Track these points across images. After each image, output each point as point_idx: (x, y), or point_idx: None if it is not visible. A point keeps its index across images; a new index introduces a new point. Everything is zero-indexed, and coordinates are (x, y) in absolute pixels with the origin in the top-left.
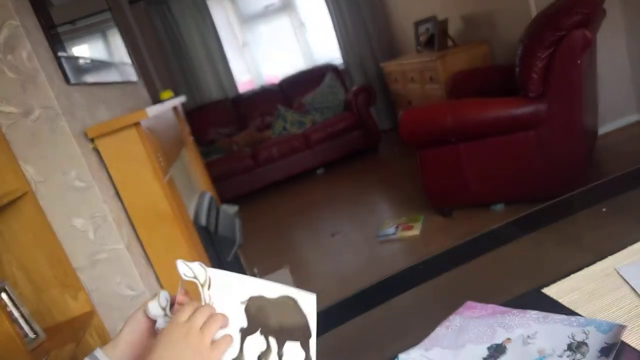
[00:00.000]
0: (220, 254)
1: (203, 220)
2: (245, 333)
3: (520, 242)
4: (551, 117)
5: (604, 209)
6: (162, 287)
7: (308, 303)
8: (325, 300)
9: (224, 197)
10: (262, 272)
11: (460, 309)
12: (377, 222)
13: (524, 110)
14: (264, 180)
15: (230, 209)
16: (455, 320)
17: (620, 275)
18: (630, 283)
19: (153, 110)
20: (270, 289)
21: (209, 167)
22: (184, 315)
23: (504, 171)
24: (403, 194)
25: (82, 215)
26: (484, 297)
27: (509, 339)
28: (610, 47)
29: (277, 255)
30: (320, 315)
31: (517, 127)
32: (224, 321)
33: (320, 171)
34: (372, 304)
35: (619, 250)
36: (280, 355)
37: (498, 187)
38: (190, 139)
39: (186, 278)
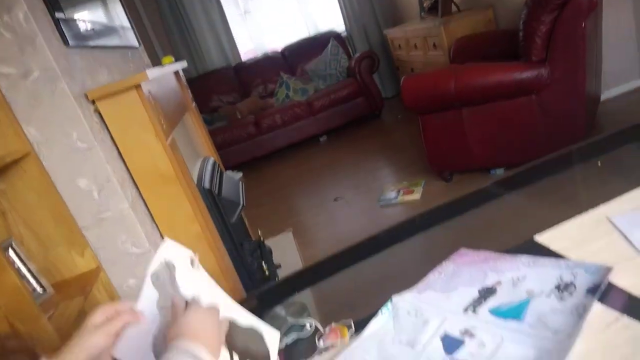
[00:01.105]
0: (225, 216)
1: (207, 183)
2: None
3: (515, 196)
4: (554, 81)
5: (599, 163)
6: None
7: (272, 338)
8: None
9: (228, 164)
10: (266, 235)
11: (454, 256)
12: (379, 188)
13: (526, 74)
14: (267, 147)
15: (235, 176)
16: (448, 266)
17: (612, 223)
18: (621, 230)
19: (154, 73)
20: (242, 316)
21: (213, 135)
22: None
23: (506, 136)
24: (405, 159)
25: (85, 175)
26: (478, 247)
27: (499, 281)
28: (616, 10)
29: (280, 219)
30: (322, 264)
31: (520, 92)
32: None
33: (323, 139)
34: (369, 253)
35: (610, 200)
36: None
37: (499, 151)
38: (192, 105)
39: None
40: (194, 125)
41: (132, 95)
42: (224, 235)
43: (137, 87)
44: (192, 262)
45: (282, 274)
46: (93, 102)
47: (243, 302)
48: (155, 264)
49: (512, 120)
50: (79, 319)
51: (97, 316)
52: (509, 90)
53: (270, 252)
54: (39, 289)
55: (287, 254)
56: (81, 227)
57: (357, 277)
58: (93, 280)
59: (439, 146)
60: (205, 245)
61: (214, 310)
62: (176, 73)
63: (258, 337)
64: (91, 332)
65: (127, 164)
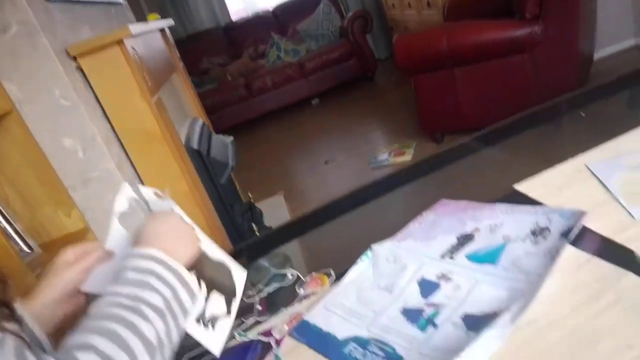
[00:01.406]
0: (213, 176)
1: (195, 144)
2: None
3: (497, 149)
4: (547, 39)
5: (582, 114)
6: None
7: (239, 276)
8: None
9: (218, 128)
10: (256, 198)
11: (435, 206)
12: (371, 150)
13: (519, 32)
14: (258, 110)
15: (225, 139)
16: (428, 216)
17: (590, 171)
18: (599, 176)
19: (137, 28)
20: (213, 250)
21: (203, 98)
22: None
23: (498, 95)
24: (397, 122)
25: (70, 135)
26: (459, 198)
27: (477, 228)
28: None
29: (271, 182)
30: (308, 217)
31: (513, 50)
32: None
33: (315, 102)
34: (354, 207)
35: (589, 150)
36: (206, 299)
37: (491, 112)
38: (180, 65)
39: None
40: (182, 86)
41: (115, 52)
42: (214, 195)
43: (120, 43)
44: (157, 196)
45: (293, 218)
46: (75, 58)
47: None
48: (120, 204)
49: (505, 79)
50: None
51: (68, 254)
52: (501, 48)
53: (261, 214)
54: (26, 248)
55: (278, 217)
56: (67, 187)
57: (341, 229)
58: (81, 240)
59: (431, 107)
60: (194, 204)
61: (173, 214)
62: (163, 32)
63: (226, 272)
64: (64, 269)
65: (113, 123)
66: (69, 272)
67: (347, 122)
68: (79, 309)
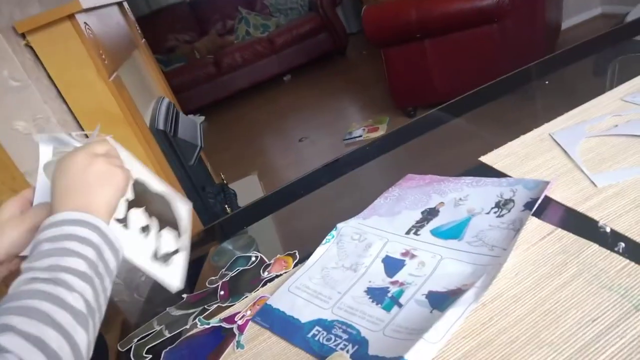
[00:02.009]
0: (182, 158)
1: (160, 124)
2: (131, 204)
3: (462, 120)
4: (515, 9)
5: (546, 82)
6: None
7: (185, 209)
8: None
9: (188, 108)
10: (230, 179)
11: (400, 181)
12: (344, 126)
13: (488, 2)
14: (228, 88)
15: (196, 120)
16: (394, 191)
17: (554, 139)
18: (562, 145)
19: (89, 2)
20: (153, 182)
21: (170, 77)
22: (99, 147)
23: (468, 67)
24: (370, 97)
25: (22, 117)
26: (425, 172)
27: (442, 202)
28: None
29: (244, 163)
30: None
31: (481, 20)
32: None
33: (287, 78)
34: (320, 184)
35: (554, 119)
36: (159, 236)
37: (462, 84)
38: (142, 42)
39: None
40: (145, 64)
41: (66, 27)
42: (183, 178)
43: (71, 17)
44: (85, 137)
45: (256, 199)
46: (23, 35)
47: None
48: (44, 154)
49: (474, 50)
50: None
51: (12, 208)
52: (470, 18)
53: (235, 195)
54: None
55: (252, 197)
56: (24, 173)
57: (308, 208)
58: None
59: (403, 81)
60: None
61: (80, 150)
62: (121, 6)
63: (170, 204)
64: (11, 227)
65: (69, 104)
66: (16, 231)
67: (320, 98)
68: (11, 275)
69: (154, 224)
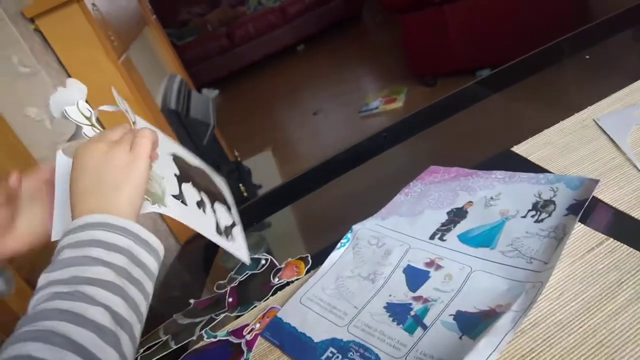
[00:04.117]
0: (195, 138)
1: (172, 104)
2: (180, 179)
3: (493, 100)
4: None
5: (587, 56)
6: None
7: (222, 183)
8: None
9: (202, 81)
10: (244, 154)
11: (422, 174)
12: (360, 98)
13: None
14: (242, 60)
15: (211, 94)
16: (415, 187)
17: (599, 126)
18: (609, 133)
19: None
20: (189, 156)
21: (183, 50)
22: (114, 133)
23: (490, 32)
24: (386, 66)
25: (34, 103)
26: (451, 161)
27: (470, 202)
28: None
29: (258, 137)
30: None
31: None
32: (154, 136)
33: (300, 47)
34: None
35: (598, 101)
36: (214, 210)
37: (484, 49)
38: (152, 18)
39: (122, 107)
40: (156, 41)
41: (73, 10)
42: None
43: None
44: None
45: (263, 193)
46: (32, 20)
47: None
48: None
49: (497, 14)
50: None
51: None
52: None
53: (250, 172)
54: None
55: (267, 174)
56: (37, 160)
57: (318, 204)
58: None
59: (421, 48)
60: None
61: (94, 140)
62: None
63: (210, 177)
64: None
65: None
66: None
67: (334, 68)
68: None
69: (205, 198)
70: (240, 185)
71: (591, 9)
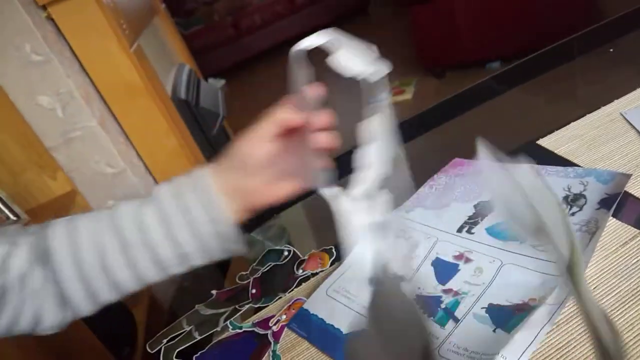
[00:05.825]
0: (204, 127)
1: (182, 94)
2: None
3: (515, 94)
4: None
5: (611, 49)
6: (145, 165)
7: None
8: None
9: (209, 71)
10: None
11: (447, 167)
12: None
13: None
14: (249, 50)
15: (217, 83)
16: (440, 179)
17: (627, 120)
18: (637, 127)
19: None
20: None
21: (189, 39)
22: None
23: (501, 22)
24: (395, 57)
25: (46, 92)
26: (473, 155)
27: None
28: None
29: None
30: None
31: None
32: None
33: None
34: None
35: (626, 94)
36: None
37: (494, 41)
38: (161, 7)
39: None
40: (165, 30)
41: None
42: (206, 149)
43: None
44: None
45: None
46: (44, 7)
47: None
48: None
49: (506, 6)
50: None
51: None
52: None
53: None
54: (12, 216)
55: None
56: (49, 149)
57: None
58: (69, 204)
59: (430, 39)
60: (185, 160)
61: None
62: None
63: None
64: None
65: (91, 77)
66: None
67: None
68: None
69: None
70: None
71: (603, 2)
